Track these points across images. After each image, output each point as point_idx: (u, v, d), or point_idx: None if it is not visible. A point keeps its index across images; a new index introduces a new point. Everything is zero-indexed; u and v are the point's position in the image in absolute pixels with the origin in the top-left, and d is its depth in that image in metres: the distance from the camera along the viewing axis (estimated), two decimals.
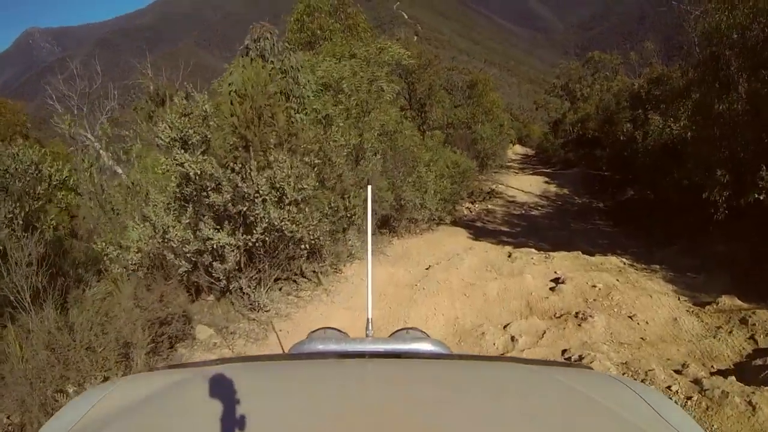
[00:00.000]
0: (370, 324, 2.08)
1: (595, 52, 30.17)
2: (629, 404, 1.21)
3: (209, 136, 6.45)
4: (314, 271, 7.70)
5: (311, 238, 6.31)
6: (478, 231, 14.73)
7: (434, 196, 13.47)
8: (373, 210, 2.62)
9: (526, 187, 21.16)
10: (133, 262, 5.95)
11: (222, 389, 1.19)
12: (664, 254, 10.67)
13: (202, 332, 6.37)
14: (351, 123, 9.31)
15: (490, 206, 18.53)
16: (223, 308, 6.88)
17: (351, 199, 7.93)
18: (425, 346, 1.74)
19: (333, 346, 1.72)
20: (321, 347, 1.72)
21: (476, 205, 18.72)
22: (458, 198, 16.52)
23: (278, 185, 5.92)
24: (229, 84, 7.77)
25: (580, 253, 10.69)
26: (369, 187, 2.63)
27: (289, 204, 6.03)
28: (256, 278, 6.71)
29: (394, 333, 2.18)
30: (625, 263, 9.83)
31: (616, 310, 7.32)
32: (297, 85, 8.51)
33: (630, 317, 7.11)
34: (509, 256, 10.79)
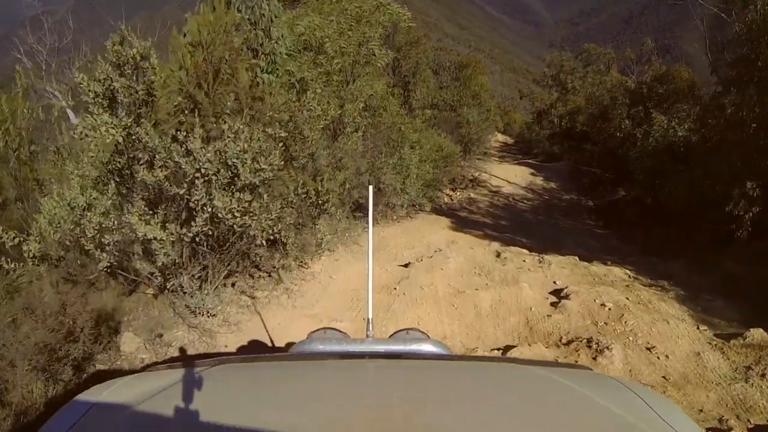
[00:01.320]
0: (370, 324, 2.14)
1: (590, 44, 29.02)
2: (629, 405, 1.22)
3: (148, 94, 4.95)
4: (274, 267, 6.30)
5: (269, 234, 4.87)
6: (461, 222, 13.48)
7: (416, 181, 12.14)
8: (372, 211, 2.60)
9: (511, 178, 19.95)
10: (33, 255, 4.47)
11: (222, 388, 1.29)
12: (669, 267, 9.55)
13: (128, 342, 4.96)
14: (332, 91, 7.80)
15: (472, 195, 17.30)
16: (160, 308, 5.47)
17: (324, 183, 6.45)
18: (425, 347, 1.78)
19: (333, 347, 1.76)
20: (321, 347, 1.75)
21: (458, 193, 17.47)
22: (440, 184, 15.18)
23: (230, 162, 4.46)
24: (184, 35, 6.18)
25: (577, 259, 9.53)
26: (370, 187, 2.74)
27: (242, 189, 4.57)
28: (200, 275, 5.29)
29: (394, 334, 2.23)
30: (630, 276, 8.67)
31: (631, 338, 6.14)
32: (268, 40, 6.91)
33: (648, 349, 5.95)
34: (498, 256, 9.58)
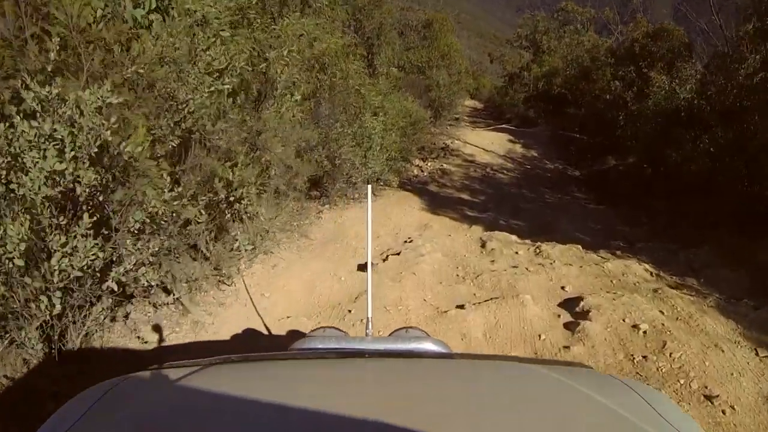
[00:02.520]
0: (369, 323, 2.14)
1: (568, 2, 26.96)
2: (630, 403, 1.21)
3: None
4: (171, 293, 4.24)
5: (119, 275, 2.80)
6: (434, 199, 11.54)
7: (380, 153, 10.11)
8: (371, 212, 2.61)
9: (487, 145, 17.97)
10: None
11: (222, 388, 1.23)
12: (691, 258, 7.81)
13: None
14: (248, 33, 5.54)
15: (444, 165, 15.29)
16: None
17: (239, 171, 4.29)
18: (425, 346, 1.77)
19: (333, 345, 1.76)
20: (321, 346, 1.74)
21: (428, 164, 15.46)
22: (408, 155, 13.10)
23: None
24: None
25: (580, 248, 7.72)
26: (369, 186, 2.85)
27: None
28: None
29: (393, 332, 2.27)
30: (653, 274, 6.88)
31: (683, 381, 4.35)
32: None
33: (708, 398, 4.17)
34: (484, 247, 7.74)
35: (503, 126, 22.49)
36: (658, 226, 10.08)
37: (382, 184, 11.21)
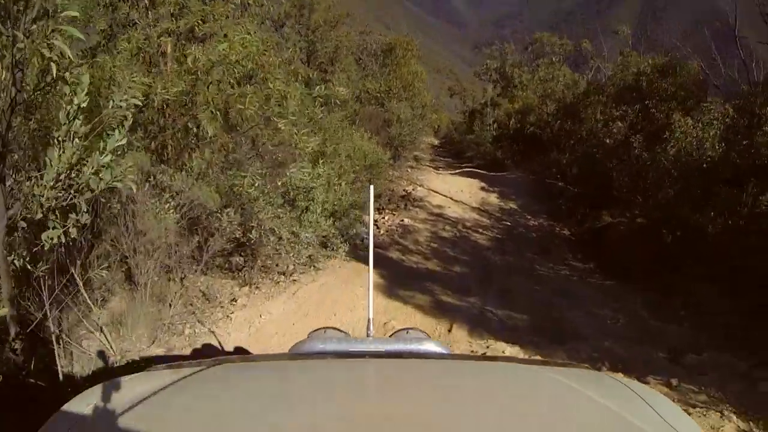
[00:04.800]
0: (370, 324, 2.05)
1: (543, 33, 24.77)
2: (628, 404, 1.21)
3: None
4: None
5: None
6: (395, 274, 8.49)
7: (320, 218, 6.94)
8: (373, 215, 2.49)
9: (455, 193, 15.02)
10: None
11: (222, 388, 1.28)
12: None
13: None
14: None
15: (406, 220, 12.26)
16: None
17: None
18: (426, 346, 1.77)
19: (334, 346, 1.73)
20: (322, 347, 1.72)
21: (386, 218, 12.43)
22: (360, 208, 9.92)
23: None
24: None
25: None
26: (371, 187, 2.62)
27: None
28: None
29: (394, 333, 2.24)
30: None
31: None
32: None
33: None
34: None
35: (471, 169, 19.62)
36: (704, 322, 7.29)
37: (328, 250, 8.05)
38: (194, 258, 6.00)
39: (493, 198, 15.05)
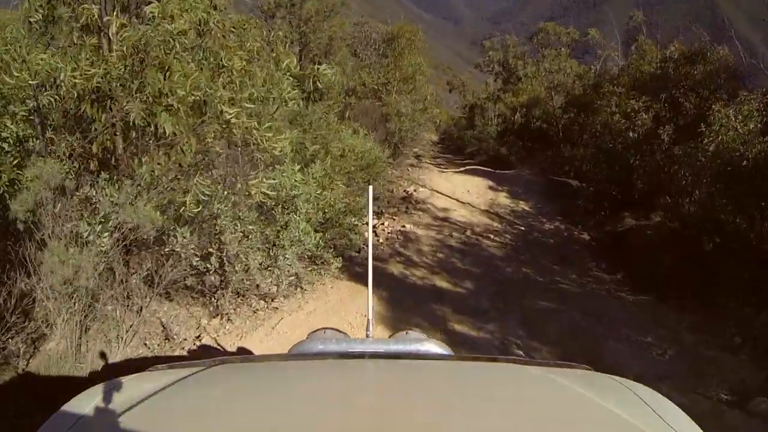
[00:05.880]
0: (370, 325, 2.07)
1: (548, 23, 23.48)
2: (628, 404, 1.18)
3: None
4: None
5: None
6: (397, 294, 7.27)
7: (303, 234, 5.65)
8: (373, 214, 2.42)
9: (462, 195, 13.76)
10: None
11: (222, 388, 1.25)
12: None
13: None
14: None
15: (408, 226, 11.00)
16: None
17: None
18: (426, 347, 1.71)
19: (333, 347, 1.68)
20: (321, 347, 1.67)
21: (386, 223, 11.17)
22: (356, 217, 8.54)
23: None
24: None
25: None
26: (370, 187, 2.68)
27: None
28: None
29: (394, 334, 2.19)
30: None
31: None
32: None
33: None
34: None
35: (476, 167, 18.37)
36: (764, 351, 6.11)
37: (317, 268, 6.79)
38: (149, 285, 4.83)
39: (502, 198, 13.79)
